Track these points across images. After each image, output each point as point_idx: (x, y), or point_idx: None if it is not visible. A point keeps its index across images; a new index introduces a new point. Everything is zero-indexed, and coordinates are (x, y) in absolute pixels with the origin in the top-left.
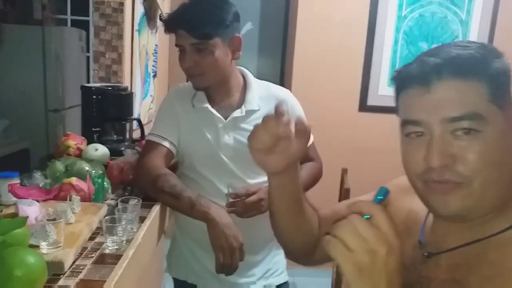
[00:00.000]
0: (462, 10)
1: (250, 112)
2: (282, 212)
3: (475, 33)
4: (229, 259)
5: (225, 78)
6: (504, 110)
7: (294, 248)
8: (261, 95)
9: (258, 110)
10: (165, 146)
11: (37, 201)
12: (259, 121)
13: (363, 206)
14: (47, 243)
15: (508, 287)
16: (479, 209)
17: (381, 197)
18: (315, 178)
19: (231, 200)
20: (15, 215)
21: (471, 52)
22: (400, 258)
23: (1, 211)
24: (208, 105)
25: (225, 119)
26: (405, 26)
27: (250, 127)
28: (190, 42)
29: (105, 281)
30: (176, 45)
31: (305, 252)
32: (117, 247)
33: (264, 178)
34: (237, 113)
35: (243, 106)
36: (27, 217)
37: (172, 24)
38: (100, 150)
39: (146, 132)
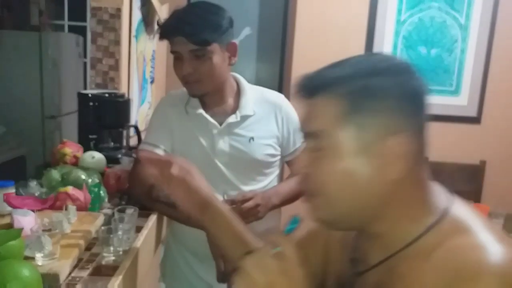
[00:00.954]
0: (461, 15)
1: (244, 117)
2: (227, 249)
3: (475, 37)
4: (230, 266)
5: (221, 84)
6: (357, 131)
7: None
8: (256, 100)
9: (253, 115)
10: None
11: (33, 211)
12: (254, 126)
13: (274, 238)
14: (42, 254)
15: None
16: (340, 222)
17: (292, 227)
18: None
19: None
20: (10, 225)
21: (339, 69)
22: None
23: None
24: (202, 111)
25: (220, 125)
26: (404, 31)
27: (245, 133)
28: (189, 49)
29: None
30: (172, 52)
31: None
32: (113, 257)
33: (260, 185)
34: (232, 118)
35: (237, 112)
36: (22, 229)
37: (170, 30)
38: (96, 158)
39: None
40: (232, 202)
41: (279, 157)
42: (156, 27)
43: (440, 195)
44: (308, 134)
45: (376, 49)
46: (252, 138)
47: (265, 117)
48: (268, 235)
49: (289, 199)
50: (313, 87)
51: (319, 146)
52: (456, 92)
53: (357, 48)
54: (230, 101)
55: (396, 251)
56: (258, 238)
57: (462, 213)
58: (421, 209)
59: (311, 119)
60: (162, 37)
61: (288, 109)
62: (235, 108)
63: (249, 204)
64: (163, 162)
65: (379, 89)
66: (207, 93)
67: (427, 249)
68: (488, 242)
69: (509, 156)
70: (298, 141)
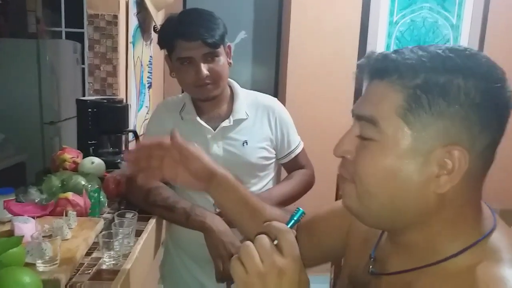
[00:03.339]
0: (453, 15)
1: (238, 122)
2: (234, 216)
3: (466, 37)
4: (229, 266)
5: (226, 85)
6: (417, 130)
7: None
8: (249, 104)
9: (246, 119)
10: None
11: (33, 217)
12: (247, 129)
13: (271, 229)
14: (43, 260)
15: None
16: (367, 217)
17: (296, 219)
18: (306, 184)
19: (218, 210)
20: (10, 232)
21: (418, 57)
22: (296, 279)
23: None
24: (196, 117)
25: (214, 130)
26: (396, 32)
27: (239, 137)
28: (203, 52)
29: None
30: (181, 58)
31: None
32: (114, 262)
33: (254, 188)
34: (225, 123)
35: (231, 116)
36: (23, 236)
37: (187, 35)
38: (96, 163)
39: None
40: None
41: (273, 160)
42: (152, 33)
43: (485, 219)
44: (360, 117)
45: (370, 49)
46: (246, 142)
47: (258, 121)
48: (270, 225)
49: (283, 202)
50: (381, 69)
51: (370, 135)
52: None
53: (350, 50)
54: (224, 106)
55: (422, 265)
56: (262, 202)
57: (502, 242)
58: (461, 230)
59: (368, 102)
60: (171, 43)
61: (282, 112)
62: (229, 112)
63: None
64: (157, 144)
65: (455, 91)
66: (219, 94)
67: (452, 272)
68: None
69: (502, 152)
70: (292, 143)
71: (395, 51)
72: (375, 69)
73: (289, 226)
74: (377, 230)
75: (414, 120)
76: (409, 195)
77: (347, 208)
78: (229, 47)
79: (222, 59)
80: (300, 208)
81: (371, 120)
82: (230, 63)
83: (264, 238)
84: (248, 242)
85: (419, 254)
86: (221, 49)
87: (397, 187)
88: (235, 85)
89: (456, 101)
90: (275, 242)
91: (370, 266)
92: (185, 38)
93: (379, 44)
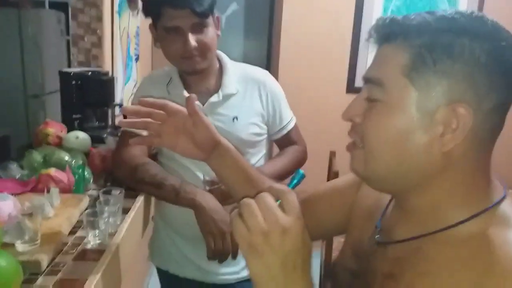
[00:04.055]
0: None
1: (227, 97)
2: (233, 185)
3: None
4: (220, 244)
5: (214, 59)
6: (422, 89)
7: None
8: (238, 77)
9: (236, 93)
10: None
11: (13, 194)
12: (237, 104)
13: (273, 191)
14: (22, 240)
15: (437, 283)
16: (375, 180)
17: (296, 181)
18: (298, 161)
19: (207, 188)
20: None
21: (423, 19)
22: (300, 238)
23: None
24: (184, 92)
25: (202, 105)
26: (392, 6)
27: (228, 112)
28: (192, 22)
29: (86, 279)
30: (168, 28)
31: None
32: (99, 241)
33: None
34: (214, 98)
35: (220, 91)
36: None
37: (175, 3)
38: (81, 138)
39: None
40: (212, 183)
41: (265, 136)
42: (139, 2)
43: (495, 188)
44: (368, 80)
45: (364, 25)
46: (236, 117)
47: (249, 95)
48: (271, 187)
49: (275, 179)
50: (388, 33)
51: (376, 96)
52: None
53: (345, 24)
54: (213, 80)
55: (431, 231)
56: (261, 174)
57: None
58: (470, 196)
59: (375, 65)
60: (157, 10)
61: (273, 86)
62: (217, 87)
63: None
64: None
65: (460, 49)
66: (207, 67)
67: (463, 237)
68: None
69: (503, 134)
70: (284, 119)
71: (403, 16)
72: (383, 34)
73: (290, 187)
74: (383, 204)
75: (419, 79)
76: (415, 155)
77: (354, 172)
78: (218, 18)
79: (211, 30)
80: (301, 170)
81: (377, 82)
82: (219, 34)
83: (267, 196)
84: (250, 200)
85: (426, 220)
86: (210, 20)
87: (403, 147)
88: (224, 58)
89: (461, 60)
90: (277, 202)
91: (376, 236)
92: (172, 6)
93: (374, 18)
